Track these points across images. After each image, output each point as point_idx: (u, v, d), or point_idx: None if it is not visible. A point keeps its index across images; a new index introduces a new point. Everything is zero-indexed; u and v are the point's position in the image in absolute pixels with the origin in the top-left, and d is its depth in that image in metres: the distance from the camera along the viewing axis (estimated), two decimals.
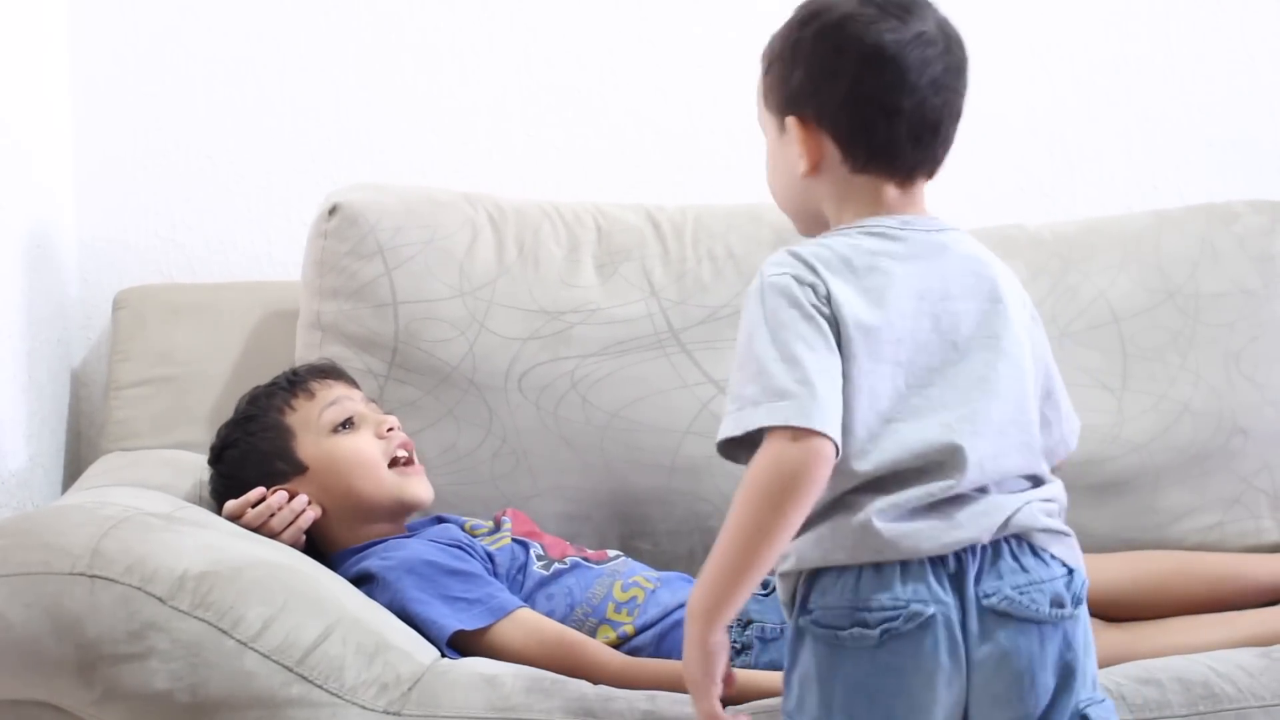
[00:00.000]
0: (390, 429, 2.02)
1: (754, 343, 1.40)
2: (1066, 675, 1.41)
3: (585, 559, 2.01)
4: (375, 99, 2.56)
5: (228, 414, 2.08)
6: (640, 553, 2.18)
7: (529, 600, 1.91)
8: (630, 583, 1.96)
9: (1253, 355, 2.32)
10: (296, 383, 2.04)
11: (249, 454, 2.00)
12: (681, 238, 2.31)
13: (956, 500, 1.40)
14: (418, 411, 2.19)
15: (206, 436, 2.12)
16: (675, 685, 1.75)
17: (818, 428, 1.34)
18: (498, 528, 2.06)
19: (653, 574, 2.00)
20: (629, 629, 1.90)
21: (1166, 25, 2.66)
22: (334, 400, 2.02)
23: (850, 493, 1.39)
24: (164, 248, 2.54)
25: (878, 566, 1.37)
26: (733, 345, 2.20)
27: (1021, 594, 1.39)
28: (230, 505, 1.95)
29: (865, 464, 1.39)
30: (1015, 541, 1.41)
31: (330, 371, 2.08)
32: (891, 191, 1.48)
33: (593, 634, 1.89)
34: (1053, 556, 1.42)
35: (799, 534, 1.39)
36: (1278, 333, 2.34)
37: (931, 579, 1.37)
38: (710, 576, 1.39)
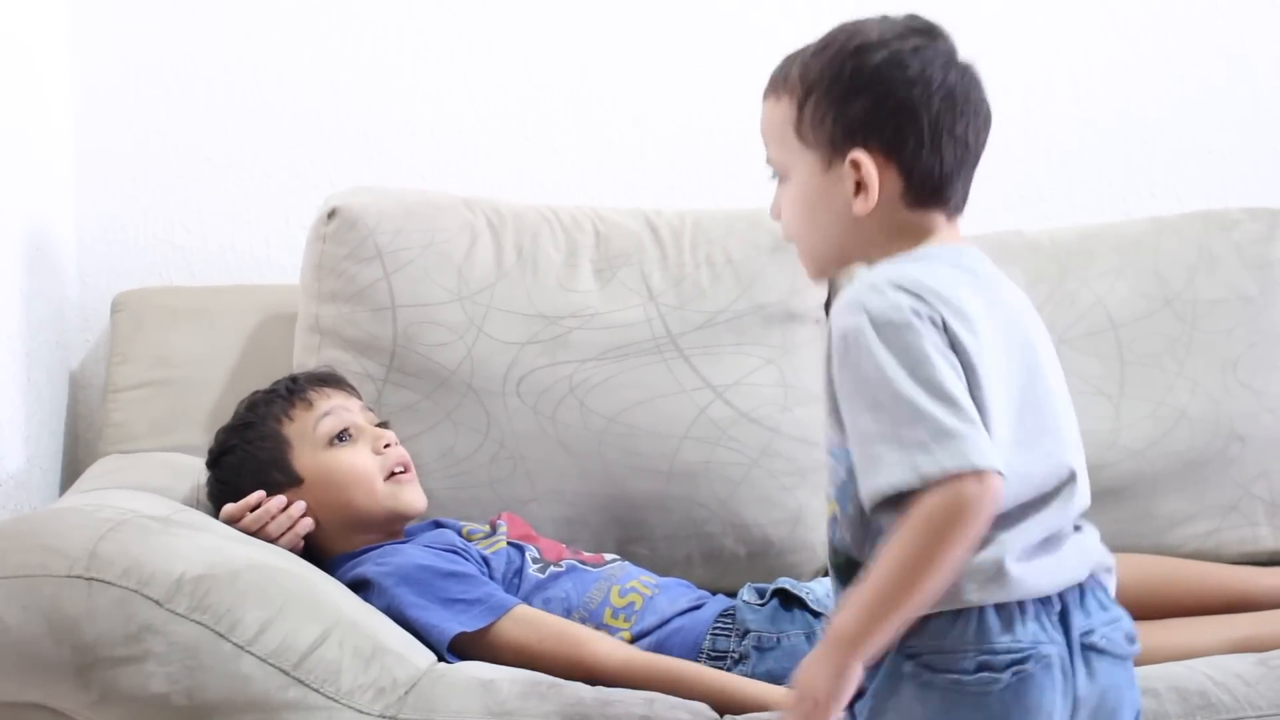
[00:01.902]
0: (388, 445, 2.02)
1: (892, 384, 1.31)
2: (1137, 711, 1.42)
3: (581, 562, 2.01)
4: (375, 103, 2.56)
5: (226, 417, 2.08)
6: (637, 558, 2.18)
7: (526, 603, 1.91)
8: (628, 588, 1.96)
9: (1250, 362, 2.33)
10: (295, 391, 2.03)
11: (246, 462, 2.00)
12: (680, 243, 2.31)
13: (1058, 538, 1.38)
14: (416, 415, 2.20)
15: (205, 439, 2.12)
16: (676, 682, 1.75)
17: (996, 465, 1.29)
18: (493, 532, 2.06)
19: (651, 579, 2.00)
20: (626, 635, 1.90)
21: (1164, 31, 2.67)
22: (329, 411, 2.01)
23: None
24: (163, 250, 2.54)
25: (1001, 607, 1.34)
26: (731, 350, 2.25)
27: (1112, 631, 1.39)
28: (228, 509, 1.95)
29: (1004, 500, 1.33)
30: (1093, 580, 1.40)
31: (329, 380, 2.08)
32: (941, 224, 1.44)
33: None
34: (1111, 594, 1.43)
35: None
36: (1275, 340, 2.34)
37: (1044, 619, 1.35)
38: (865, 604, 1.31)
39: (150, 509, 1.82)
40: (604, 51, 2.60)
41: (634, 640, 1.90)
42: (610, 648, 1.83)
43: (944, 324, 1.34)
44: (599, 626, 1.91)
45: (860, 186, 1.41)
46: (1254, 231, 2.39)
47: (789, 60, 1.48)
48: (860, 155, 1.41)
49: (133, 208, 2.53)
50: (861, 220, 1.42)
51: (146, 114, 2.53)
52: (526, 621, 1.84)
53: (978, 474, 1.29)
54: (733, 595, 1.99)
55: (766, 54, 2.69)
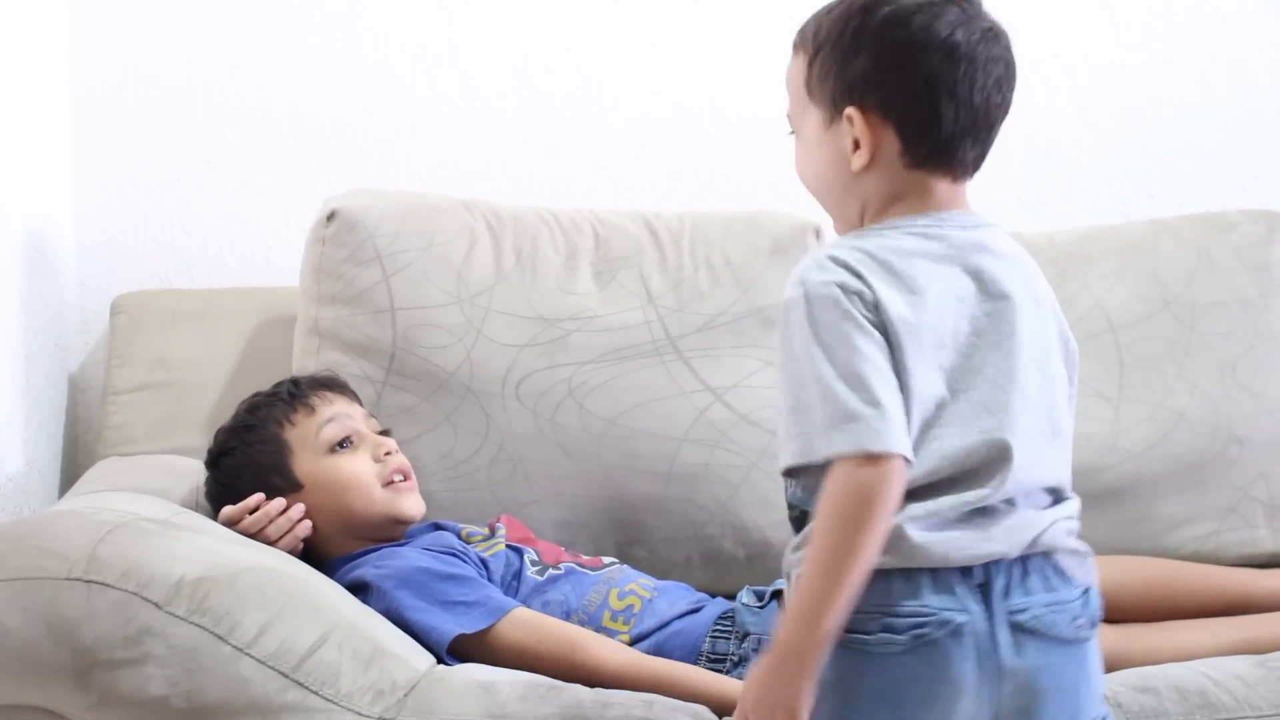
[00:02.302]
0: (388, 452, 2.02)
1: (810, 361, 1.35)
2: (1084, 696, 1.41)
3: (580, 565, 2.01)
4: (374, 105, 2.56)
5: (225, 419, 2.08)
6: (637, 560, 2.18)
7: (525, 606, 1.91)
8: (626, 591, 1.96)
9: (1249, 364, 2.33)
10: (297, 395, 2.03)
11: (245, 465, 2.00)
12: (679, 245, 2.31)
13: (987, 512, 1.38)
14: (415, 418, 2.19)
15: (203, 442, 2.12)
16: (675, 685, 1.75)
17: (893, 449, 1.32)
18: (492, 534, 2.06)
19: (649, 582, 2.00)
20: (625, 638, 1.90)
21: (1164, 34, 2.67)
22: (332, 417, 2.01)
23: None
24: (162, 253, 2.54)
25: (907, 573, 1.36)
26: (730, 352, 2.25)
27: (1050, 612, 1.39)
28: (227, 511, 1.95)
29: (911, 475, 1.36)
30: (1042, 559, 1.40)
31: (332, 384, 2.08)
32: (942, 187, 1.44)
33: None
34: (1073, 577, 1.42)
35: None
36: (1274, 342, 2.34)
37: (960, 589, 1.36)
38: (800, 610, 1.34)
39: (149, 511, 1.82)
40: (603, 54, 2.60)
41: (633, 643, 1.90)
42: (610, 651, 1.83)
43: (875, 300, 1.36)
44: (598, 629, 1.91)
45: (857, 144, 1.43)
46: (1253, 234, 2.39)
47: (812, 17, 1.49)
48: (853, 112, 1.42)
49: (132, 210, 2.53)
50: (861, 177, 1.44)
51: (145, 116, 2.53)
52: (526, 624, 1.84)
53: (874, 458, 1.31)
54: (731, 598, 1.99)
55: (766, 56, 2.70)
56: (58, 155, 2.48)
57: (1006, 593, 1.38)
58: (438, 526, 2.07)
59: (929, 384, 1.37)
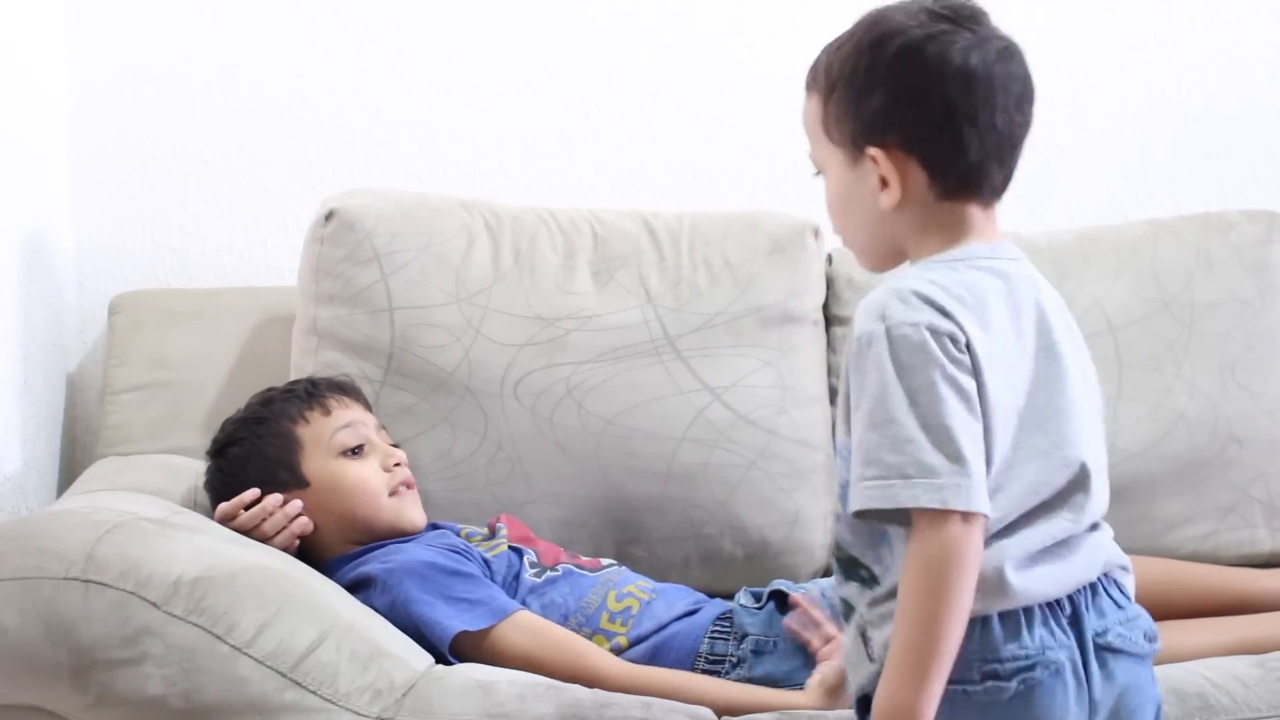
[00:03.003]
0: (397, 463, 2.02)
1: (890, 405, 1.30)
2: (1158, 709, 1.41)
3: (578, 567, 2.01)
4: (372, 105, 2.56)
5: (223, 419, 2.08)
6: (635, 559, 2.18)
7: (522, 605, 1.91)
8: (624, 592, 1.96)
9: (1248, 364, 2.33)
10: (314, 395, 2.04)
11: (253, 455, 2.00)
12: (678, 245, 2.31)
13: (1070, 541, 1.37)
14: (413, 417, 2.19)
15: (202, 441, 2.12)
16: (677, 697, 1.75)
17: (977, 508, 1.29)
18: (493, 534, 2.06)
19: (647, 584, 2.00)
20: (623, 640, 1.90)
21: (1163, 35, 2.67)
22: (348, 423, 2.02)
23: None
24: (160, 253, 2.54)
25: (1004, 616, 1.33)
26: (729, 352, 2.25)
27: (1126, 630, 1.38)
28: (223, 507, 1.95)
29: (998, 511, 1.33)
30: (1106, 579, 1.39)
31: (349, 390, 2.08)
32: (976, 214, 1.41)
33: None
34: (1130, 593, 1.42)
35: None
36: (1273, 342, 2.34)
37: (1053, 623, 1.34)
38: (899, 676, 1.30)
39: (147, 511, 1.82)
40: (602, 54, 2.60)
41: (631, 645, 1.90)
42: (609, 661, 1.83)
43: (967, 341, 1.32)
44: (596, 631, 1.91)
45: (885, 182, 1.39)
46: (1252, 234, 2.39)
47: (822, 53, 1.45)
48: (876, 152, 1.39)
49: (130, 210, 2.53)
50: (893, 215, 1.40)
51: (143, 117, 2.53)
52: (528, 628, 1.84)
53: (961, 515, 1.28)
54: (730, 598, 1.99)
55: (764, 57, 2.70)
56: (56, 156, 2.48)
57: (1088, 617, 1.36)
58: (435, 526, 2.07)
59: (1007, 421, 1.35)
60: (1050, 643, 1.34)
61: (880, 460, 1.30)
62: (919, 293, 1.34)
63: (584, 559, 2.05)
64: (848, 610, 1.43)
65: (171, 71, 2.53)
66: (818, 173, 1.48)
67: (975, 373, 1.32)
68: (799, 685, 1.79)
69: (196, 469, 2.08)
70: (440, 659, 1.79)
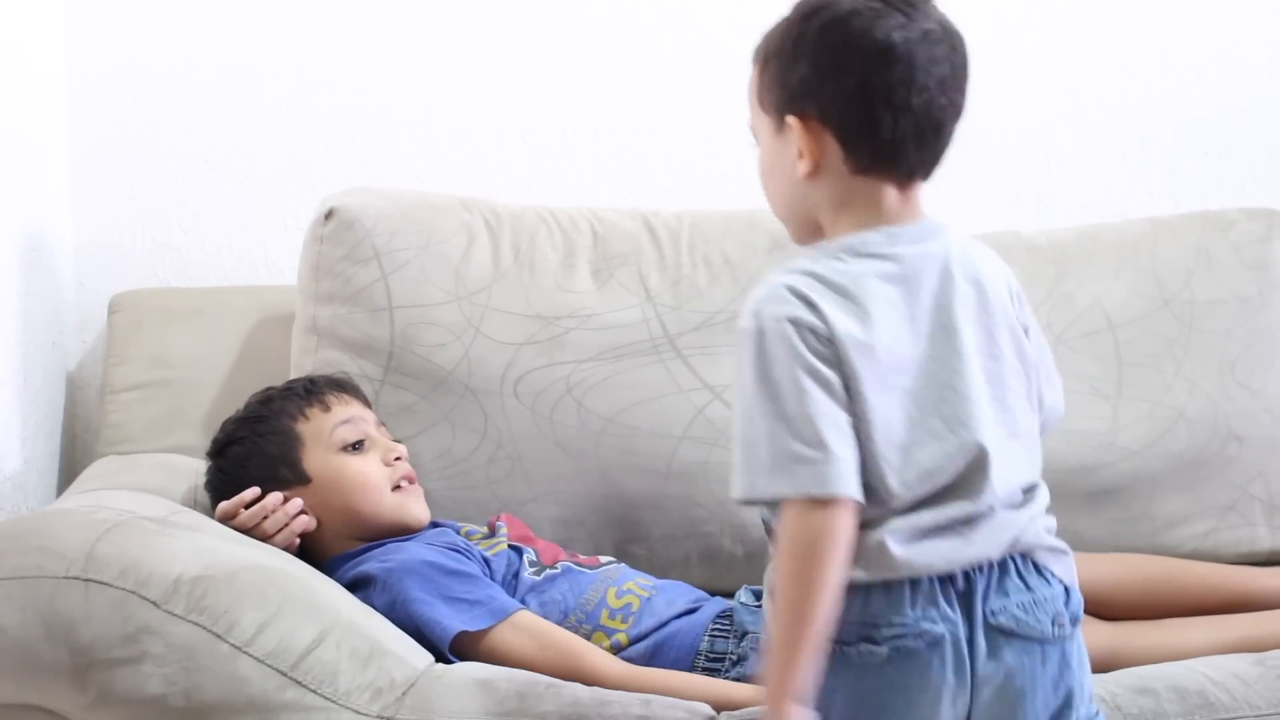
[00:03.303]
0: (398, 458, 2.03)
1: (759, 398, 1.36)
2: (1067, 695, 1.42)
3: (578, 564, 2.01)
4: (372, 104, 2.56)
5: (223, 418, 2.08)
6: (635, 558, 2.18)
7: (522, 604, 1.91)
8: (624, 590, 1.96)
9: (1248, 362, 2.33)
10: (313, 392, 2.04)
11: (253, 454, 2.00)
12: (678, 243, 2.31)
13: (970, 519, 1.39)
14: (413, 416, 2.19)
15: (202, 440, 2.12)
16: (676, 695, 1.75)
17: (839, 492, 1.33)
18: (493, 533, 2.06)
19: (647, 581, 2.00)
20: (623, 638, 1.90)
21: (1162, 32, 2.67)
22: (348, 419, 2.02)
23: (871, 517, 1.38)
24: (160, 252, 2.54)
25: (887, 585, 1.37)
26: (728, 350, 2.24)
27: (1026, 612, 1.40)
28: (223, 506, 1.95)
29: (892, 500, 1.37)
30: (1020, 559, 1.41)
31: (348, 387, 2.09)
32: (891, 194, 1.43)
33: (586, 640, 1.88)
34: (1053, 575, 1.43)
35: None
36: (1273, 340, 2.34)
37: (940, 598, 1.38)
38: (775, 651, 1.37)
39: (147, 510, 1.82)
40: (601, 53, 2.59)
41: (631, 642, 1.90)
42: (609, 660, 1.83)
43: (830, 333, 1.37)
44: (596, 628, 1.91)
45: (801, 152, 1.43)
46: (1252, 232, 2.39)
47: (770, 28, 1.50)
48: (793, 120, 1.43)
49: (129, 209, 2.53)
50: (809, 186, 1.44)
51: (143, 116, 2.53)
52: (527, 628, 1.84)
53: (821, 502, 1.33)
54: (730, 596, 1.99)
55: None
56: (55, 154, 2.48)
57: (986, 596, 1.39)
58: (435, 525, 2.07)
59: (895, 406, 1.38)
60: (932, 615, 1.37)
61: (749, 451, 1.36)
62: (790, 286, 1.39)
63: (583, 557, 2.05)
64: None
65: (171, 70, 2.53)
66: (756, 141, 1.51)
67: (840, 364, 1.36)
68: None
69: (196, 468, 2.08)
70: (440, 658, 1.79)
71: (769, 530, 1.46)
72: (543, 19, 2.58)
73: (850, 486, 1.34)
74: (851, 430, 1.36)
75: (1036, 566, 1.42)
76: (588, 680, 1.76)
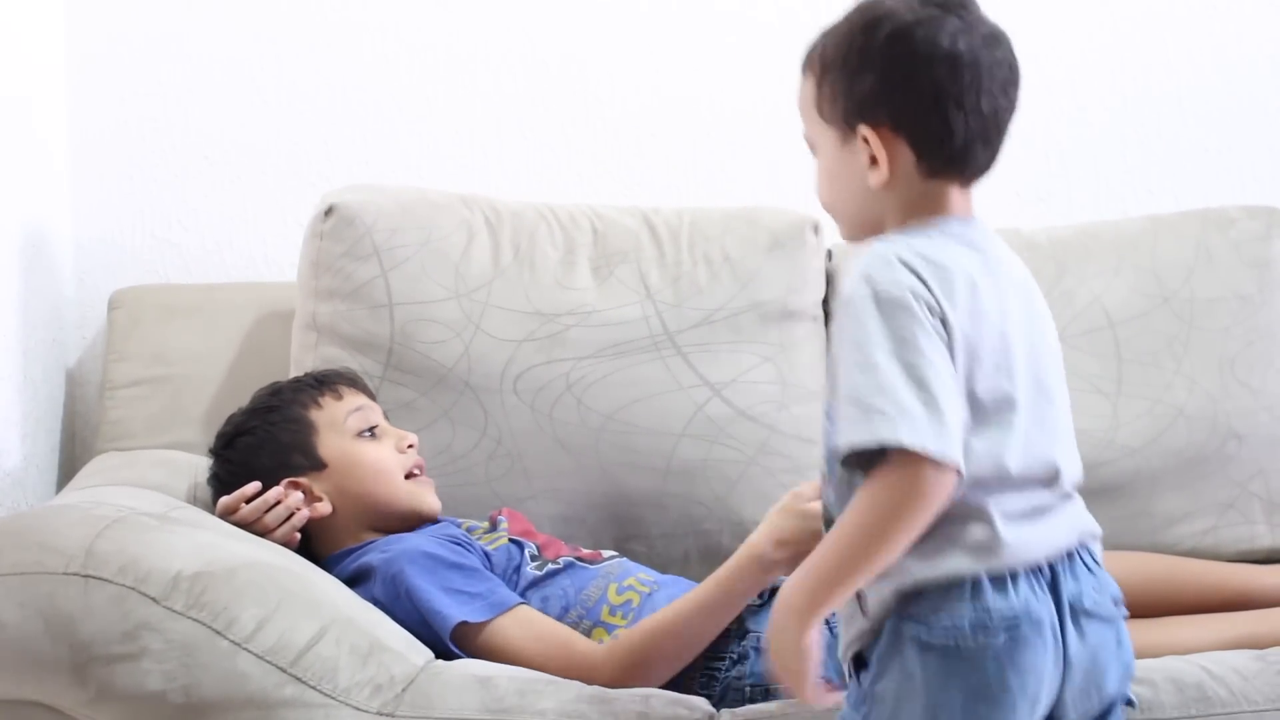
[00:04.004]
0: (410, 445, 2.04)
1: (874, 352, 1.36)
2: (1126, 669, 1.48)
3: (580, 559, 2.01)
4: (372, 100, 2.56)
5: (223, 414, 2.08)
6: (634, 555, 2.18)
7: (523, 599, 1.91)
8: (625, 585, 1.96)
9: (1248, 360, 2.33)
10: (324, 382, 2.05)
11: (266, 443, 2.00)
12: (678, 241, 2.31)
13: (1047, 509, 1.43)
14: (413, 413, 2.19)
15: (201, 437, 2.12)
16: (655, 642, 1.79)
17: (952, 459, 1.33)
18: (494, 527, 2.06)
19: (649, 576, 2.00)
20: (623, 633, 1.90)
21: (1162, 30, 2.67)
22: (360, 407, 2.04)
23: (961, 503, 1.38)
24: (160, 248, 2.54)
25: (994, 576, 1.39)
26: (728, 347, 2.25)
27: (1099, 594, 1.44)
28: (224, 501, 1.95)
29: (986, 476, 1.39)
30: (1081, 547, 1.45)
31: (356, 381, 2.10)
32: (956, 194, 1.47)
33: (587, 635, 1.89)
34: (1100, 560, 1.48)
35: (910, 549, 1.38)
36: (1273, 338, 2.34)
37: (1035, 586, 1.40)
38: (815, 574, 1.38)
39: (147, 506, 1.82)
40: (601, 50, 2.59)
41: None
42: (594, 645, 1.84)
43: (941, 310, 1.38)
44: (597, 624, 1.91)
45: (874, 160, 1.45)
46: (1252, 230, 2.39)
47: (817, 38, 1.51)
48: (867, 131, 1.44)
49: (129, 205, 2.53)
50: (879, 192, 1.46)
51: (143, 112, 2.52)
52: (526, 622, 1.84)
53: (934, 462, 1.33)
54: None
55: (765, 52, 2.70)
56: (55, 150, 2.48)
57: (1065, 582, 1.42)
58: (435, 521, 2.07)
59: (988, 393, 1.40)
60: (1034, 601, 1.39)
61: (863, 401, 1.35)
62: (901, 258, 1.40)
63: (585, 551, 2.05)
64: None
65: (171, 66, 2.53)
66: (814, 152, 1.53)
67: (950, 340, 1.38)
68: None
69: (196, 464, 2.08)
70: (440, 651, 1.79)
71: (827, 515, 1.47)
72: (543, 16, 2.58)
73: (959, 458, 1.34)
74: (961, 403, 1.37)
75: (1089, 551, 1.46)
76: (579, 670, 1.77)
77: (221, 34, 2.53)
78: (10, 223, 2.21)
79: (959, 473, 1.34)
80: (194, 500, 2.01)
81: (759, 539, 1.80)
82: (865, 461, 1.36)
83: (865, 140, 1.44)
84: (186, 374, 2.33)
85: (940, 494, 1.34)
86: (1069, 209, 2.61)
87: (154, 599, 1.63)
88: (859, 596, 1.43)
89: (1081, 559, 1.44)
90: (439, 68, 2.57)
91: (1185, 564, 2.19)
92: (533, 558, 1.99)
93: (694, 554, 2.24)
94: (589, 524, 2.23)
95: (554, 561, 1.99)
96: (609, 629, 1.90)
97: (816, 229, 2.32)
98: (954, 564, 1.38)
